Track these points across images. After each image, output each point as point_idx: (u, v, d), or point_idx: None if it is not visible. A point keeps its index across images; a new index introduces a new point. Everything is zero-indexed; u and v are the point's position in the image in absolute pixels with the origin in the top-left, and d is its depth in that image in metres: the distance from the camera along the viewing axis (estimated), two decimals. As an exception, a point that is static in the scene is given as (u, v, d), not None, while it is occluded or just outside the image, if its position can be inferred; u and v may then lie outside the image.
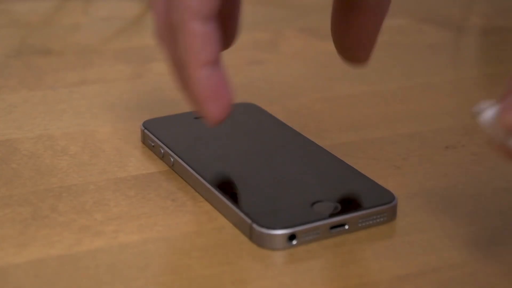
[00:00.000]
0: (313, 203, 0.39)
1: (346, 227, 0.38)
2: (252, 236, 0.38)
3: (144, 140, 0.47)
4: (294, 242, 0.37)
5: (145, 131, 0.47)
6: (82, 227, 0.39)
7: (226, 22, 0.41)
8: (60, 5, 0.76)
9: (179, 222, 0.40)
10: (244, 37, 0.66)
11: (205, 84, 0.37)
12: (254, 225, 0.38)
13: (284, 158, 0.44)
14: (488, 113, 0.33)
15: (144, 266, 0.36)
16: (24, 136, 0.49)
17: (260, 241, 0.38)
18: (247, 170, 0.43)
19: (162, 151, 0.45)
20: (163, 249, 0.37)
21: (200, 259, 0.37)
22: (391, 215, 0.40)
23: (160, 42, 0.40)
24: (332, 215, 0.38)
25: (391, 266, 0.36)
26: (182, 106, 0.53)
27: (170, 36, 0.38)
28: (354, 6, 0.41)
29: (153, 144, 0.46)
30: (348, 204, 0.39)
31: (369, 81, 0.58)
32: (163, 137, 0.46)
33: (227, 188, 0.41)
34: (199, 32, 0.36)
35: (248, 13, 0.71)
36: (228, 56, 0.63)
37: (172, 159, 0.44)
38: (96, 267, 0.36)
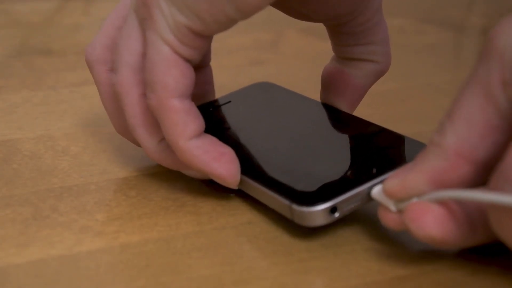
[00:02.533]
0: (348, 170, 0.38)
1: None
2: (294, 216, 0.37)
3: None
4: (337, 214, 0.37)
5: None
6: (83, 228, 0.39)
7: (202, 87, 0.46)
8: (60, 5, 0.76)
9: (180, 222, 0.40)
10: (245, 38, 0.66)
11: (200, 151, 0.39)
12: (294, 206, 0.37)
13: (309, 130, 0.43)
14: (378, 187, 0.37)
15: (145, 266, 0.36)
16: (25, 136, 0.49)
17: (302, 220, 0.37)
18: (273, 148, 0.42)
19: None
20: (164, 249, 0.37)
21: (201, 259, 0.37)
22: None
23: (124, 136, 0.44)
24: (369, 178, 0.37)
25: (392, 266, 0.36)
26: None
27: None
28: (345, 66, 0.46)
29: None
30: (384, 164, 0.38)
31: (369, 81, 0.58)
32: None
33: (258, 171, 0.40)
34: (179, 109, 0.38)
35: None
36: (229, 56, 0.63)
37: None
38: (96, 267, 0.36)
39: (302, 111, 0.45)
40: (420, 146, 0.39)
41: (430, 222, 0.34)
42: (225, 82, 0.57)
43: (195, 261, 0.37)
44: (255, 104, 0.47)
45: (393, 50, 0.63)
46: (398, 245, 0.38)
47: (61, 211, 0.40)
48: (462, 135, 0.34)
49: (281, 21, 0.71)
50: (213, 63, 0.61)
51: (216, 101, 0.48)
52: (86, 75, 0.59)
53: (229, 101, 0.48)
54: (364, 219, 0.40)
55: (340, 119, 0.44)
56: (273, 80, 0.58)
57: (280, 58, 0.62)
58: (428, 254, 0.37)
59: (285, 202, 0.37)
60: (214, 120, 0.45)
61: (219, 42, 0.66)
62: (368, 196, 0.37)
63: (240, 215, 0.40)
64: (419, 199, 0.35)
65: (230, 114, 0.46)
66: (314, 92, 0.56)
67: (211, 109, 0.47)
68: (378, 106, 0.54)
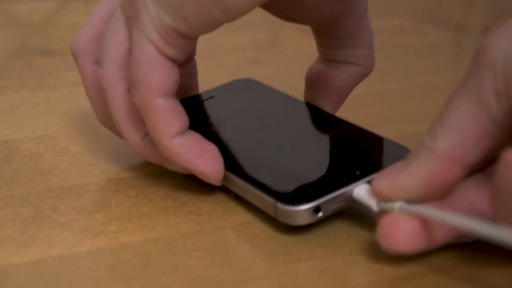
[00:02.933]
0: (332, 171, 0.39)
1: None
2: (278, 215, 0.38)
3: None
4: (320, 214, 0.37)
5: None
6: (83, 228, 0.39)
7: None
8: (61, 5, 0.76)
9: (180, 222, 0.40)
10: (244, 38, 0.66)
11: (184, 148, 0.39)
12: (278, 204, 0.37)
13: (293, 130, 0.43)
14: (362, 187, 0.37)
15: (145, 267, 0.36)
16: (25, 136, 0.49)
17: (286, 219, 0.37)
18: (257, 146, 0.42)
19: None
20: (164, 249, 0.37)
21: (201, 259, 0.37)
22: None
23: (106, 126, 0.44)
24: (353, 180, 0.38)
25: (392, 266, 0.36)
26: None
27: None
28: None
29: None
30: (367, 166, 0.39)
31: (369, 81, 0.58)
32: None
33: (243, 170, 0.40)
34: (163, 107, 0.38)
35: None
36: (228, 56, 0.63)
37: None
38: (97, 268, 0.36)
39: (285, 110, 0.46)
40: (402, 149, 0.40)
41: (401, 239, 0.35)
42: (223, 82, 0.58)
43: (195, 261, 0.37)
44: (238, 100, 0.47)
45: (393, 50, 0.63)
46: (398, 245, 0.38)
47: (61, 211, 0.41)
48: (455, 140, 0.34)
49: (280, 21, 0.71)
50: (212, 63, 0.61)
51: (199, 95, 0.48)
52: (86, 75, 0.59)
53: (212, 96, 0.48)
54: (364, 219, 0.40)
55: (324, 120, 0.44)
56: (272, 80, 0.58)
57: (279, 58, 0.62)
58: (428, 254, 0.37)
59: (270, 200, 0.38)
60: (197, 115, 0.46)
61: (217, 41, 0.66)
62: (351, 197, 0.38)
63: (240, 215, 0.40)
64: (400, 208, 0.35)
65: (214, 109, 0.47)
66: (314, 92, 0.56)
67: (194, 103, 0.47)
68: (378, 106, 0.54)
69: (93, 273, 0.36)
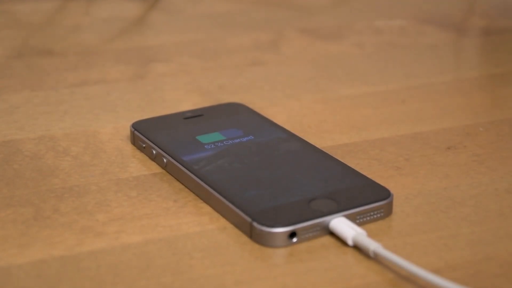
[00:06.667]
0: (311, 201, 0.39)
1: None
2: (253, 235, 0.38)
3: (134, 141, 0.47)
4: (295, 239, 0.38)
5: (135, 132, 0.47)
6: (84, 228, 0.39)
7: None
8: (61, 5, 0.76)
9: (180, 222, 0.40)
10: (246, 38, 0.66)
11: None
12: (255, 224, 0.38)
13: (278, 157, 0.44)
14: (339, 220, 0.38)
15: (146, 267, 0.36)
16: (26, 137, 0.49)
17: (260, 240, 0.38)
18: (242, 168, 0.43)
19: (154, 152, 0.45)
20: (165, 250, 0.37)
21: (202, 259, 0.37)
22: (388, 211, 0.40)
23: None
24: (330, 212, 0.38)
25: (392, 266, 0.36)
26: (183, 106, 0.53)
27: None
28: None
29: (144, 145, 0.46)
30: (346, 201, 0.40)
31: (370, 81, 0.58)
32: (154, 137, 0.46)
33: (225, 187, 0.41)
34: None
35: (249, 13, 0.70)
36: (230, 57, 0.63)
37: (165, 160, 0.44)
38: (97, 268, 0.36)
39: (272, 138, 0.46)
40: (383, 191, 0.40)
41: None
42: (225, 82, 0.58)
43: (196, 261, 0.37)
44: (226, 122, 0.48)
45: (393, 50, 0.63)
46: (399, 246, 0.38)
47: (62, 212, 0.41)
48: None
49: (282, 22, 0.71)
50: (213, 64, 0.61)
51: (189, 111, 0.50)
52: (87, 75, 0.59)
53: (202, 115, 0.49)
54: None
55: (309, 152, 0.45)
56: (273, 80, 0.58)
57: (280, 58, 0.62)
58: (428, 254, 0.37)
59: (247, 219, 0.38)
60: (186, 129, 0.47)
61: (218, 42, 0.66)
62: (327, 228, 0.38)
63: (241, 215, 0.40)
64: (375, 251, 0.36)
65: (202, 126, 0.48)
66: (313, 93, 0.56)
67: (184, 118, 0.49)
68: (378, 106, 0.54)
69: (94, 274, 0.36)
